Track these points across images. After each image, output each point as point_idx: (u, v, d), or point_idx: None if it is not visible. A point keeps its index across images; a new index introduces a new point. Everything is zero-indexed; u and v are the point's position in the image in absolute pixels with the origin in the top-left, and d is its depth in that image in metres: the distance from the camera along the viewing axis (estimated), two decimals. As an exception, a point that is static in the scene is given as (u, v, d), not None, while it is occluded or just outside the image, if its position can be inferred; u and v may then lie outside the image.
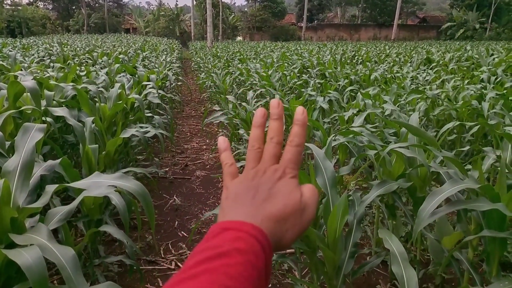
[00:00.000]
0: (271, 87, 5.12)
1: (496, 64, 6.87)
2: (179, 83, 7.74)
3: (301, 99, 4.42)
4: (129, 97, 3.43)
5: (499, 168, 2.10)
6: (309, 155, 3.84)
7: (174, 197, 3.67)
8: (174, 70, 7.89)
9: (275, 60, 9.19)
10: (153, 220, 1.23)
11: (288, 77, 6.35)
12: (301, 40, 41.79)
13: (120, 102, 3.10)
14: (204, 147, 5.36)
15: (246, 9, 53.56)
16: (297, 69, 7.37)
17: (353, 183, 3.45)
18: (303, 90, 5.39)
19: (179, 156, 4.92)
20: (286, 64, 7.98)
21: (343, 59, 9.75)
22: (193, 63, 14.55)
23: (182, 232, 3.06)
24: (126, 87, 3.94)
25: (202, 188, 3.92)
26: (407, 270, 1.17)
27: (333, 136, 2.11)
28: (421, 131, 1.82)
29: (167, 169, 4.42)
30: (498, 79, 5.62)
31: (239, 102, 4.36)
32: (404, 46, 20.36)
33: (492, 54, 8.43)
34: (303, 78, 5.94)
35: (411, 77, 6.18)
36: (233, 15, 45.82)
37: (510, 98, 3.67)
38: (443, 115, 3.75)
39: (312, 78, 6.41)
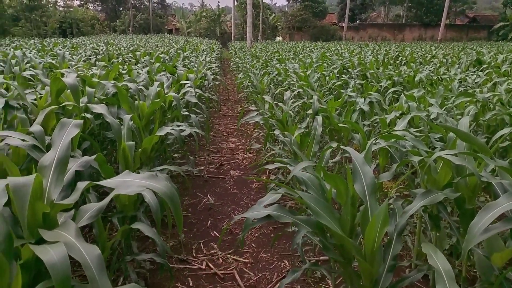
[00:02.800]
0: (309, 87, 5.01)
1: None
2: (217, 83, 7.80)
3: (340, 100, 4.28)
4: (167, 95, 3.47)
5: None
6: (346, 158, 3.71)
7: (208, 196, 3.66)
8: (213, 69, 7.95)
9: (314, 60, 9.03)
10: (181, 223, 1.20)
11: (327, 78, 6.20)
12: (342, 40, 41.01)
13: (158, 100, 3.13)
14: (240, 147, 5.35)
15: (286, 9, 53.36)
16: (337, 70, 7.19)
17: (394, 190, 3.28)
18: (342, 91, 5.23)
19: (214, 155, 4.94)
20: (325, 65, 7.81)
21: (385, 60, 9.41)
22: (232, 63, 14.66)
23: (215, 232, 3.04)
24: (165, 85, 3.99)
25: (235, 188, 3.90)
26: (454, 291, 1.06)
27: (374, 140, 1.99)
28: (472, 137, 1.67)
29: (202, 167, 4.44)
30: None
31: (275, 102, 4.29)
32: (451, 47, 19.41)
33: None
34: (343, 78, 5.77)
35: (459, 79, 5.84)
36: (273, 16, 45.78)
37: None
38: (495, 120, 3.48)
39: (352, 79, 6.22)
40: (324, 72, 6.48)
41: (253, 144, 4.37)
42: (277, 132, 3.20)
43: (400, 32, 46.76)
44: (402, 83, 5.56)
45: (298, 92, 4.74)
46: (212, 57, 10.86)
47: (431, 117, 3.37)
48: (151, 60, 7.22)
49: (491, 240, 1.88)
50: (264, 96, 4.42)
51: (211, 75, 6.65)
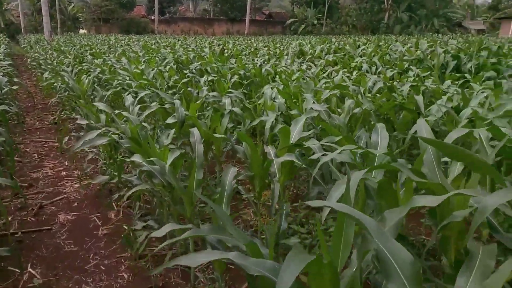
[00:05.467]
0: (153, 86, 4.01)
1: (368, 55, 7.14)
2: (14, 87, 5.79)
3: (198, 102, 3.47)
4: None
5: None
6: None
7: (29, 270, 2.33)
8: (5, 69, 5.89)
9: (140, 54, 7.85)
10: None
11: (165, 74, 5.27)
12: (154, 33, 39.65)
13: None
14: (64, 173, 3.91)
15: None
16: (171, 64, 6.32)
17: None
18: (190, 89, 4.43)
19: (26, 193, 3.41)
20: (157, 59, 6.81)
21: (214, 53, 9.01)
22: (29, 60, 11.81)
23: (55, 338, 1.84)
24: None
25: (73, 244, 2.65)
26: None
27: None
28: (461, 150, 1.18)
29: (10, 218, 2.93)
30: (378, 69, 5.70)
31: (116, 110, 3.16)
32: (262, 39, 20.92)
33: (359, 46, 8.92)
34: (188, 75, 4.96)
35: (298, 71, 5.82)
36: (72, 5, 40.53)
37: (423, 88, 3.48)
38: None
39: (193, 74, 5.48)
40: (160, 68, 5.51)
41: (96, 177, 3.11)
42: (136, 157, 2.17)
43: (210, 26, 48.48)
44: (250, 77, 5.13)
45: (140, 94, 3.67)
46: (0, 53, 8.29)
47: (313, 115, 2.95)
48: None
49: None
50: (96, 103, 3.21)
51: (3, 76, 4.78)
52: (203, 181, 2.09)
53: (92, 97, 4.88)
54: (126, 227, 2.64)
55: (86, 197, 3.33)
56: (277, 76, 5.25)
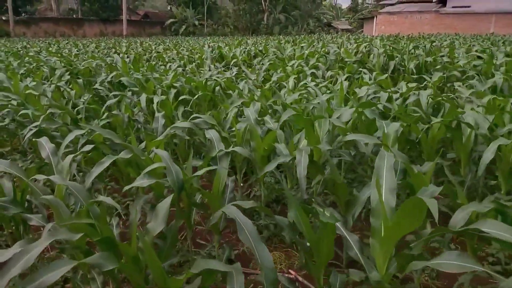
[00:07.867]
0: (70, 115, 2.62)
1: (299, 57, 6.54)
2: None
3: (160, 138, 2.28)
4: None
5: None
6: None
7: None
8: None
9: (14, 64, 5.84)
10: None
11: (70, 92, 3.80)
12: (10, 36, 33.67)
13: None
14: None
15: None
16: (67, 76, 4.75)
17: None
18: (116, 112, 3.12)
19: None
20: (44, 70, 5.07)
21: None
22: None
23: None
24: None
25: None
26: None
27: None
28: None
29: None
30: (326, 74, 5.11)
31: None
32: (149, 41, 19.15)
33: (284, 49, 8.31)
34: (105, 94, 3.59)
35: (239, 79, 4.88)
36: None
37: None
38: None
39: (107, 89, 4.10)
40: (58, 84, 3.96)
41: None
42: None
43: (79, 27, 43.46)
44: (190, 91, 3.99)
45: (69, 136, 2.26)
46: None
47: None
48: None
49: None
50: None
51: None
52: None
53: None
54: None
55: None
56: (218, 88, 4.22)
